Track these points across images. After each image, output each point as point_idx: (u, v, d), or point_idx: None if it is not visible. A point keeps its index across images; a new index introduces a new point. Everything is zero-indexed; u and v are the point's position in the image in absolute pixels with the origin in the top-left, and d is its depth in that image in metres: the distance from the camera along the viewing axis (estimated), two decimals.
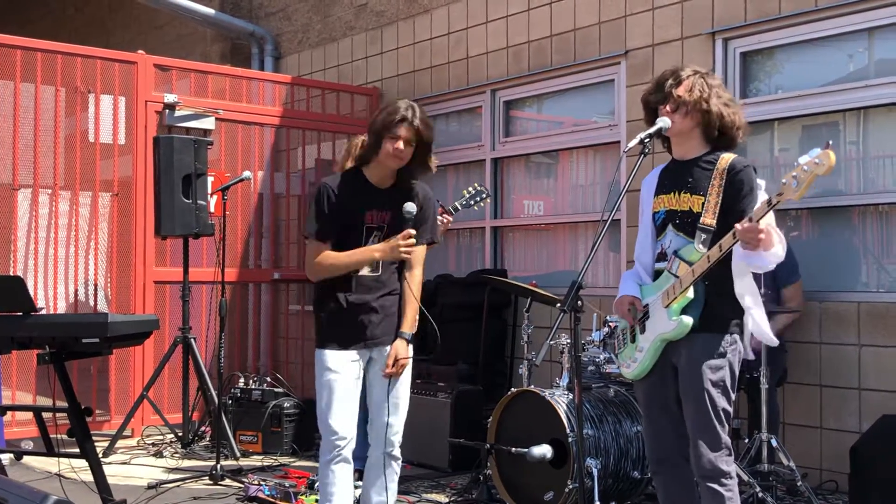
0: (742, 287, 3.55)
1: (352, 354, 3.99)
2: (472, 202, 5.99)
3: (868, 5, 5.58)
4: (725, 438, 3.54)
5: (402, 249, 3.90)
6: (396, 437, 4.04)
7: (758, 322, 3.56)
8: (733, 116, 3.65)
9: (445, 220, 5.68)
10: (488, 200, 6.16)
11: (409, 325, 4.04)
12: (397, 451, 4.05)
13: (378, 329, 4.01)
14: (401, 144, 3.92)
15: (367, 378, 4.08)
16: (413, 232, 3.92)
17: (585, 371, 5.30)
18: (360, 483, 4.19)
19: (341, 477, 3.93)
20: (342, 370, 3.96)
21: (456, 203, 5.92)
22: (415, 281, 4.05)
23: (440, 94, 8.21)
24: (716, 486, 3.51)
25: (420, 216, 4.02)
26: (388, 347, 4.02)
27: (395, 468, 4.06)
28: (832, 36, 5.83)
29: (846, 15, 5.69)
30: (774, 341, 3.67)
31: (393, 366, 3.98)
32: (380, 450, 4.03)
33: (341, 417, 3.93)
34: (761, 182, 3.60)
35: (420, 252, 4.08)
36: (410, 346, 4.06)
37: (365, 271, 4.00)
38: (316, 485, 4.08)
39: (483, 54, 7.82)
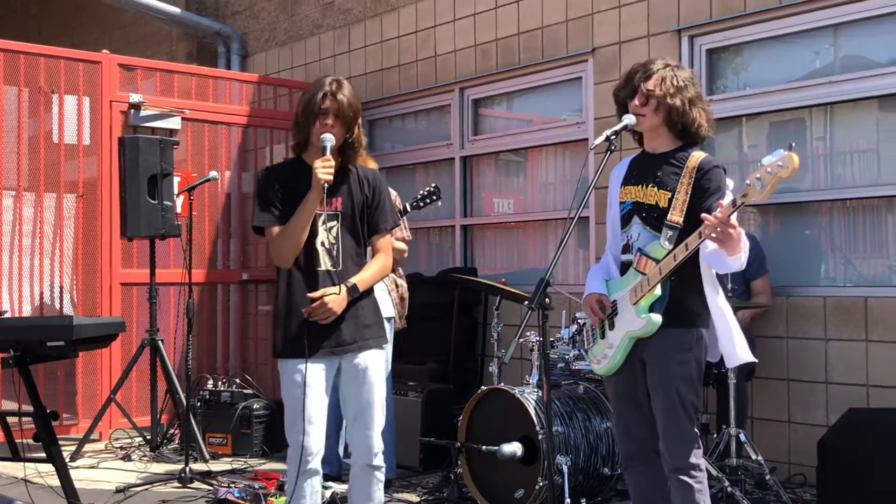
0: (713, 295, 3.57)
1: (318, 365, 3.78)
2: (423, 203, 5.90)
3: (833, 1, 5.62)
4: (694, 431, 3.56)
5: (318, 168, 3.68)
6: (377, 447, 3.86)
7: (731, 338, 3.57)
8: (698, 113, 3.60)
9: None
10: (439, 203, 6.01)
11: (358, 279, 3.81)
12: (379, 460, 3.88)
13: (345, 335, 3.81)
14: (329, 120, 3.77)
15: (339, 388, 3.90)
16: (328, 157, 3.72)
17: (555, 368, 5.31)
18: (328, 484, 4.14)
19: (310, 491, 3.81)
20: (309, 382, 3.74)
21: (406, 204, 5.86)
22: (377, 262, 3.90)
23: (408, 93, 8.19)
24: (685, 479, 3.53)
25: (371, 203, 3.90)
26: (359, 355, 3.84)
27: (379, 476, 3.91)
28: (798, 32, 5.87)
29: (811, 11, 5.73)
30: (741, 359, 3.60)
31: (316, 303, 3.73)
32: (361, 462, 3.87)
33: (309, 433, 3.74)
34: (730, 182, 3.58)
35: (382, 241, 3.94)
36: (344, 294, 3.76)
37: (325, 264, 3.80)
38: (286, 486, 4.03)
39: (451, 52, 7.81)
